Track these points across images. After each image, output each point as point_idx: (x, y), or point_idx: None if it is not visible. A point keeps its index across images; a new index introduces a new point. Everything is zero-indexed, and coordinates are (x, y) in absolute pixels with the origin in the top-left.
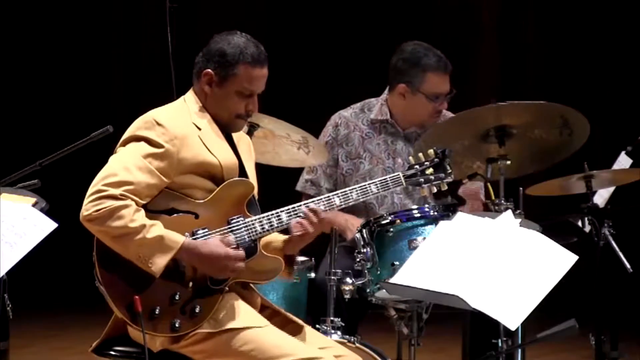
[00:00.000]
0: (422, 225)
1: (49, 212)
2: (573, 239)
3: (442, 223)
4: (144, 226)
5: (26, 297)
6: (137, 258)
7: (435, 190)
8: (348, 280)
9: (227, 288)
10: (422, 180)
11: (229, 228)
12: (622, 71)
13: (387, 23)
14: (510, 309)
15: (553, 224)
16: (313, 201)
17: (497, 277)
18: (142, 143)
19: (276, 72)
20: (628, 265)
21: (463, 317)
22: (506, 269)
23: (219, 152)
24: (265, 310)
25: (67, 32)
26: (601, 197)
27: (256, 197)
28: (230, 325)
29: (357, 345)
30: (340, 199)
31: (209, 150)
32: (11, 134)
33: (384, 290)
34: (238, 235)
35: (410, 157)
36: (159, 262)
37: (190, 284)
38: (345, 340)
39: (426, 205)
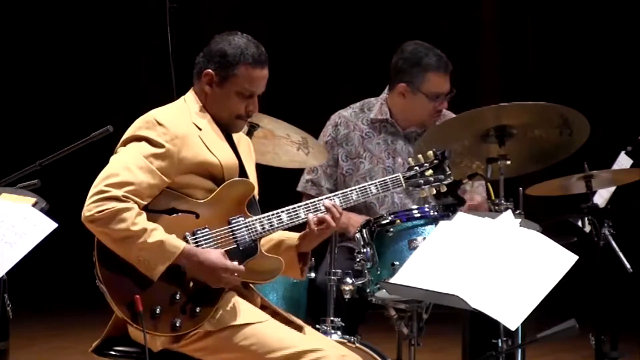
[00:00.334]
0: (422, 225)
1: (49, 212)
2: (573, 239)
3: (442, 223)
4: (145, 230)
5: (26, 297)
6: (137, 262)
7: (434, 192)
8: (348, 280)
9: (227, 288)
10: (422, 181)
11: (230, 228)
12: (622, 71)
13: (387, 23)
14: (510, 309)
15: (553, 224)
16: (313, 202)
17: (497, 277)
18: (143, 143)
19: (276, 72)
20: (628, 265)
21: (463, 317)
22: (506, 269)
23: (219, 152)
24: (265, 310)
25: (68, 32)
26: (601, 197)
27: (256, 197)
28: (231, 322)
29: (357, 345)
30: (340, 200)
31: (209, 150)
32: (11, 134)
33: (384, 290)
34: (238, 235)
35: (410, 159)
36: (159, 268)
37: (191, 283)
38: (345, 340)
39: (426, 205)
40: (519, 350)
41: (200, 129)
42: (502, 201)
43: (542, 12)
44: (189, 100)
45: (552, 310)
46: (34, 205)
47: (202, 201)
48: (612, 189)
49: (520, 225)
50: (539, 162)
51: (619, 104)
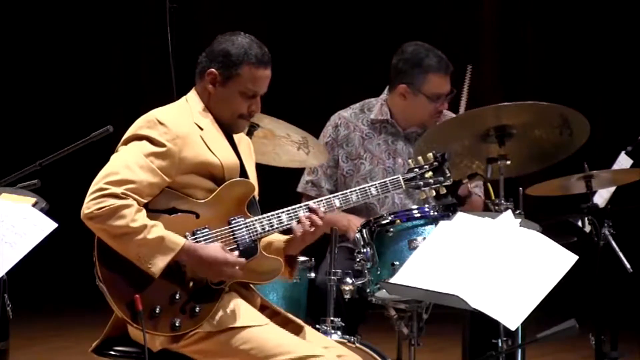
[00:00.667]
0: (422, 225)
1: (49, 212)
2: (573, 239)
3: (442, 223)
4: (145, 226)
5: (26, 297)
6: (137, 258)
7: (434, 194)
8: (348, 280)
9: (227, 288)
10: (422, 183)
11: (230, 228)
12: (622, 71)
13: (387, 23)
14: (510, 309)
15: (553, 224)
16: (313, 203)
17: (497, 277)
18: (144, 142)
19: (276, 72)
20: (628, 265)
21: (463, 317)
22: (506, 269)
23: (220, 152)
24: (265, 310)
25: (68, 32)
26: (601, 197)
27: (257, 198)
28: (230, 324)
29: (357, 345)
30: (340, 201)
31: (210, 150)
32: (11, 134)
33: (384, 290)
34: (239, 235)
35: (410, 160)
36: (159, 263)
37: (191, 283)
38: (345, 340)
39: (426, 205)
40: (519, 350)
41: (201, 129)
42: (502, 201)
43: (542, 12)
44: (191, 100)
45: (552, 310)
46: (34, 205)
47: (202, 201)
48: (612, 189)
49: (520, 225)
50: (539, 162)
51: (619, 104)
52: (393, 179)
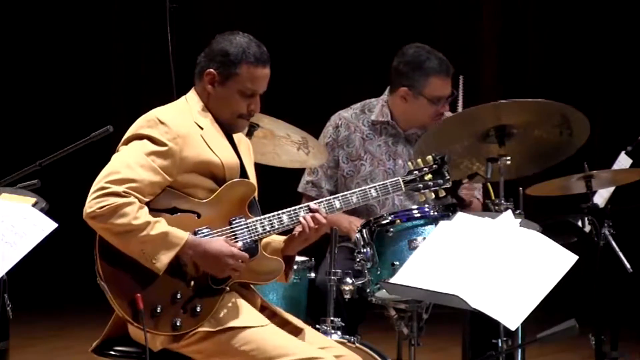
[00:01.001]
0: (422, 225)
1: (49, 212)
2: (573, 239)
3: (442, 223)
4: (148, 223)
5: (26, 297)
6: (141, 255)
7: (433, 196)
8: (348, 280)
9: (228, 288)
10: (421, 186)
11: (231, 228)
12: (622, 71)
13: (387, 23)
14: (510, 309)
15: (553, 224)
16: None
17: (497, 277)
18: (145, 141)
19: (276, 72)
20: (628, 265)
21: (463, 317)
22: (506, 269)
23: (221, 152)
24: (265, 311)
25: (67, 32)
26: (601, 197)
27: (256, 198)
28: (231, 324)
29: (357, 345)
30: (340, 202)
31: (211, 149)
32: (11, 134)
33: (384, 290)
34: (240, 235)
35: (409, 163)
36: (163, 259)
37: (192, 282)
38: (345, 340)
39: (426, 205)
40: (519, 350)
41: (202, 129)
42: (502, 201)
43: (542, 12)
44: (191, 100)
45: (552, 310)
46: (34, 205)
47: (203, 201)
48: (612, 189)
49: (520, 225)
50: (539, 162)
51: (618, 104)
52: (393, 181)
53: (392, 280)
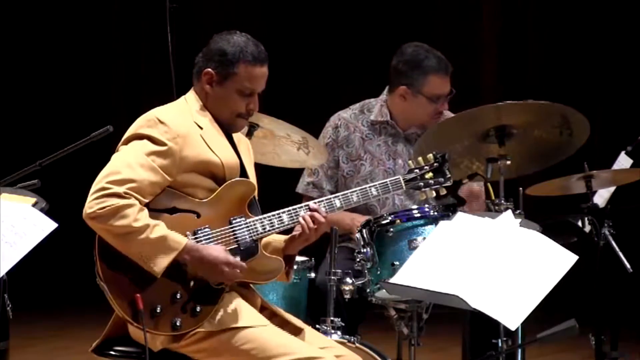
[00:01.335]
0: (422, 225)
1: (49, 212)
2: (573, 239)
3: (442, 223)
4: (147, 226)
5: (26, 297)
6: (139, 257)
7: (434, 194)
8: (348, 280)
9: (227, 288)
10: (422, 184)
11: (231, 228)
12: (622, 71)
13: (387, 23)
14: (510, 309)
15: (553, 224)
16: (314, 203)
17: (497, 277)
18: (145, 141)
19: (276, 72)
20: (628, 265)
21: (463, 317)
22: (506, 269)
23: (220, 152)
24: (264, 311)
25: (67, 32)
26: (601, 197)
27: (256, 197)
28: (231, 324)
29: (357, 345)
30: (340, 201)
31: (211, 149)
32: (11, 134)
33: (384, 290)
34: (240, 235)
35: (410, 161)
36: (161, 263)
37: (192, 283)
38: (345, 340)
39: (426, 205)
40: (519, 350)
41: (201, 128)
42: (502, 201)
43: (543, 12)
44: (190, 100)
45: (552, 310)
46: (34, 205)
47: (203, 201)
48: (612, 189)
49: (520, 225)
50: (539, 163)
51: (618, 104)
52: (393, 180)
53: (392, 280)
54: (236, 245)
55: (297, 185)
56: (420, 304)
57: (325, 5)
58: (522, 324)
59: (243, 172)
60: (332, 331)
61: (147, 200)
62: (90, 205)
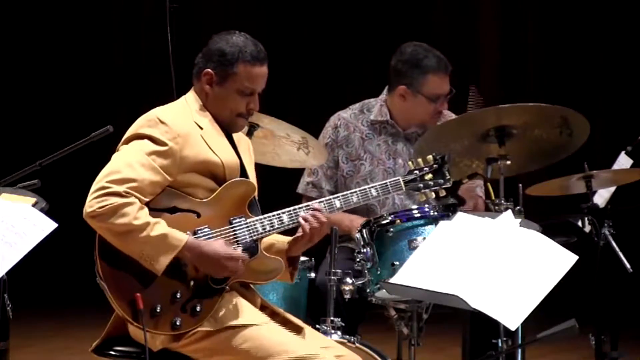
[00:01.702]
0: (422, 225)
1: (49, 212)
2: (573, 239)
3: (442, 223)
4: (147, 224)
5: (26, 297)
6: (140, 256)
7: (433, 196)
8: (348, 280)
9: (227, 287)
10: (422, 185)
11: (231, 228)
12: (622, 71)
13: (387, 23)
14: (510, 309)
15: (553, 224)
16: (311, 204)
17: (497, 277)
18: (146, 141)
19: (276, 72)
20: (628, 265)
21: (463, 317)
22: (506, 269)
23: (221, 151)
24: (265, 310)
25: (67, 32)
26: (601, 197)
27: (256, 198)
28: (231, 323)
29: (357, 345)
30: (340, 202)
31: (211, 149)
32: (11, 134)
33: (384, 290)
34: (240, 235)
35: (410, 162)
36: (162, 261)
37: (192, 282)
38: (345, 340)
39: (426, 205)
40: (519, 350)
41: (201, 128)
42: (502, 201)
43: (543, 12)
44: (190, 100)
45: (552, 310)
46: (34, 205)
47: (203, 200)
48: (612, 189)
49: (520, 225)
50: (539, 162)
51: (619, 104)
52: (393, 181)
53: (392, 280)
54: (236, 246)
55: (297, 185)
56: (420, 304)
57: (326, 5)
58: (522, 324)
59: (243, 172)
60: (332, 331)
61: (147, 200)
62: (91, 204)
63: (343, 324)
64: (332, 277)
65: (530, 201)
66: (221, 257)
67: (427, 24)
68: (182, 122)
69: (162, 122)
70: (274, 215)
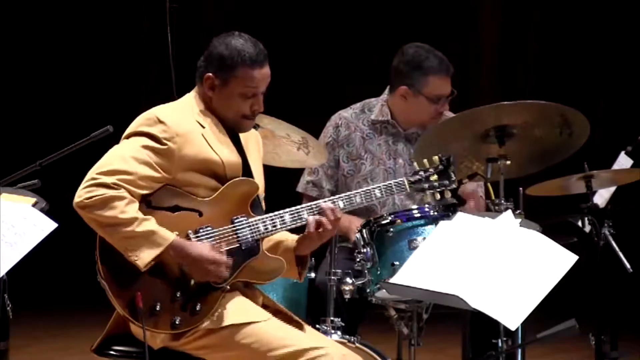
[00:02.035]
0: (422, 225)
1: (49, 212)
2: (573, 239)
3: (442, 223)
4: (135, 219)
5: (26, 297)
6: (124, 250)
7: (438, 197)
8: (348, 280)
9: (228, 287)
10: (427, 186)
11: (232, 227)
12: (622, 71)
13: (388, 22)
14: (510, 309)
15: (553, 224)
16: (316, 203)
17: (497, 277)
18: (143, 137)
19: (277, 72)
20: (628, 265)
21: (463, 317)
22: (506, 269)
23: (221, 151)
24: (266, 309)
25: (68, 32)
26: (601, 197)
27: (262, 196)
28: (232, 321)
29: (357, 345)
30: (344, 202)
31: (211, 148)
32: (11, 134)
33: (384, 290)
34: (241, 234)
35: (415, 163)
36: (144, 257)
37: (192, 281)
38: (345, 340)
39: (426, 205)
40: (519, 350)
41: (203, 127)
42: (502, 201)
43: (543, 12)
44: (193, 99)
45: (552, 310)
46: (34, 205)
47: (205, 199)
48: (612, 189)
49: (520, 225)
50: (539, 162)
51: (619, 104)
52: (398, 182)
53: (392, 280)
54: (238, 245)
55: (297, 185)
56: (420, 304)
57: (326, 5)
58: (522, 324)
59: (247, 171)
60: (332, 331)
61: (140, 192)
62: (79, 195)
63: (343, 324)
64: (332, 277)
65: (530, 201)
66: (204, 261)
67: (428, 24)
68: (182, 121)
69: (160, 122)
70: (276, 215)
